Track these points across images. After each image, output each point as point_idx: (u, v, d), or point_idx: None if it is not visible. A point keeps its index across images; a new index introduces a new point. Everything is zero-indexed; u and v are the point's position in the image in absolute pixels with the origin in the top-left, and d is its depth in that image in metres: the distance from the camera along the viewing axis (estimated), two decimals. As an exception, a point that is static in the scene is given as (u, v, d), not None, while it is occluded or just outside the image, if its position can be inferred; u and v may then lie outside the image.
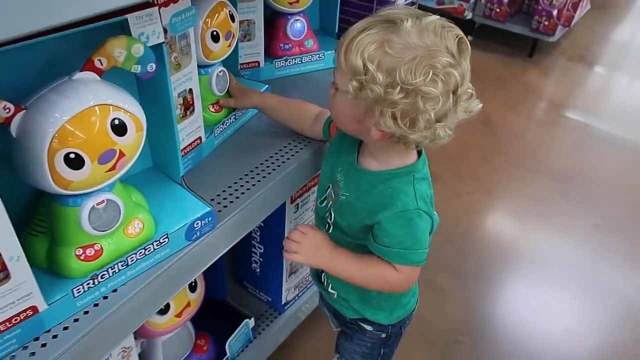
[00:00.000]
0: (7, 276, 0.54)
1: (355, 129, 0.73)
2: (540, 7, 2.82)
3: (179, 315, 0.91)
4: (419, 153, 0.77)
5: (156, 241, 0.69)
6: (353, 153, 0.79)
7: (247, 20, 1.09)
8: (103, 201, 0.63)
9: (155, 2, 0.63)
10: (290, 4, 1.15)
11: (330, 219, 0.83)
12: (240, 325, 1.07)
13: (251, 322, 1.10)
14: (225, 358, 1.05)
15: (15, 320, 0.57)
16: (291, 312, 1.22)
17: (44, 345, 0.60)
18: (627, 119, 2.62)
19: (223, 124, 0.94)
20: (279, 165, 0.91)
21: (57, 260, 0.63)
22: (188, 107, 0.81)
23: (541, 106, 2.71)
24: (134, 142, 0.61)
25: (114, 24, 0.59)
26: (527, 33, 2.92)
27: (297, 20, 1.18)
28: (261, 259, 1.16)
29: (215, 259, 0.80)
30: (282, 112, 0.96)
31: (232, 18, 0.89)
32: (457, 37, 0.65)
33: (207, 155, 0.91)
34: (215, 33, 0.85)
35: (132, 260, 0.67)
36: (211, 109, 0.94)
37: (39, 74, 0.60)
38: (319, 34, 1.26)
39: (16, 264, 0.54)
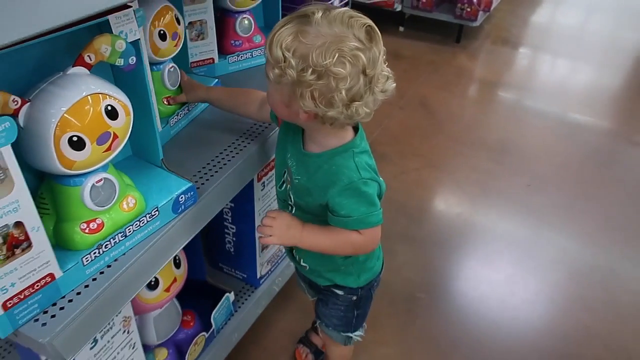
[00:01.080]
0: (29, 245, 0.63)
1: (287, 114, 0.81)
2: (461, -5, 3.05)
3: (167, 289, 1.00)
4: (355, 130, 0.86)
5: (148, 214, 0.79)
6: (299, 140, 0.88)
7: (199, 20, 1.19)
8: (101, 180, 0.72)
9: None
10: (236, 3, 1.25)
11: (291, 200, 0.92)
12: (222, 299, 1.16)
13: (231, 296, 1.20)
14: (211, 330, 1.14)
15: (37, 286, 0.66)
16: (266, 286, 1.32)
17: (62, 308, 0.69)
18: (548, 92, 2.89)
19: (177, 115, 1.05)
20: (245, 146, 1.02)
21: (64, 235, 0.71)
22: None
23: (472, 86, 2.94)
24: (124, 125, 0.71)
25: (92, 26, 0.68)
26: (452, 20, 3.15)
27: (245, 18, 1.29)
28: (234, 239, 1.26)
29: (198, 230, 0.90)
30: (228, 101, 1.04)
31: (178, 21, 0.98)
32: (364, 25, 0.73)
33: (165, 144, 1.00)
34: (162, 32, 0.95)
35: (129, 232, 0.76)
36: (165, 102, 1.03)
37: (31, 72, 0.69)
38: (264, 30, 1.37)
39: (37, 234, 0.63)
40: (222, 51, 1.28)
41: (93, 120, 0.66)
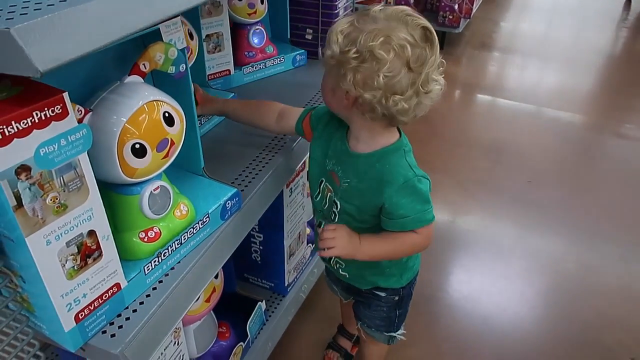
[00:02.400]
0: (100, 254, 0.62)
1: (332, 100, 0.82)
2: (443, 3, 3.13)
3: (207, 300, 0.99)
4: (399, 133, 0.87)
5: (200, 221, 0.79)
6: (343, 142, 0.87)
7: (215, 33, 1.20)
8: (158, 187, 0.72)
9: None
10: (249, 14, 1.27)
11: (336, 207, 0.90)
12: (255, 308, 1.16)
13: (263, 305, 1.19)
14: (247, 340, 1.13)
15: (105, 296, 0.65)
16: (293, 294, 1.32)
17: (127, 319, 0.68)
18: (533, 92, 2.98)
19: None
20: (273, 155, 1.02)
21: (124, 244, 0.70)
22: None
23: (459, 90, 3.01)
24: (179, 131, 0.71)
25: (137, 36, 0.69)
26: (435, 27, 3.21)
27: (257, 29, 1.31)
28: (261, 247, 1.26)
29: (244, 235, 0.90)
30: (245, 113, 1.02)
31: (191, 35, 0.80)
32: (420, 25, 0.73)
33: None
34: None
35: (184, 239, 0.76)
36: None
37: (83, 82, 0.69)
38: (273, 41, 1.39)
39: (107, 243, 0.63)
40: (237, 63, 1.29)
41: (153, 127, 0.67)
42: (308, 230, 1.39)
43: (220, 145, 1.05)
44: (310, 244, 1.38)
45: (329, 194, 0.92)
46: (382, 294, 1.03)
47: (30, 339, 0.64)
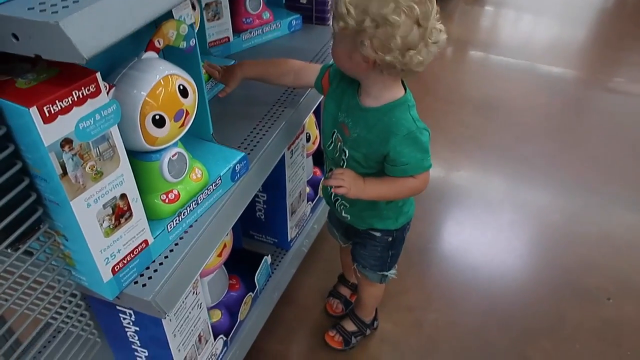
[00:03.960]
0: (131, 215, 0.70)
1: (349, 65, 0.91)
2: (436, -41, 3.11)
3: (219, 255, 1.08)
4: (404, 89, 0.95)
5: (214, 183, 0.86)
6: (354, 97, 0.97)
7: (214, 1, 1.24)
8: (176, 154, 0.79)
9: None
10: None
11: (345, 155, 1.00)
12: (262, 262, 1.25)
13: (269, 259, 1.29)
14: (255, 290, 1.23)
15: (136, 251, 0.74)
16: (296, 248, 1.42)
17: (155, 270, 0.77)
18: (522, 48, 3.02)
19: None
20: (278, 116, 1.09)
21: (148, 206, 0.78)
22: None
23: (451, 47, 3.04)
24: (193, 102, 0.78)
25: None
26: (428, -16, 3.21)
27: (254, -5, 1.34)
28: (265, 206, 1.35)
29: (252, 195, 0.98)
30: (264, 76, 1.10)
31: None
32: None
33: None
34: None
35: (200, 200, 0.84)
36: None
37: (102, 58, 0.74)
38: (269, 6, 1.42)
39: (136, 204, 0.70)
40: (235, 30, 1.34)
41: (170, 99, 0.73)
42: (308, 189, 1.47)
43: (226, 108, 1.12)
44: (310, 202, 1.47)
45: (339, 143, 1.02)
46: (377, 234, 1.13)
47: (73, 289, 0.73)
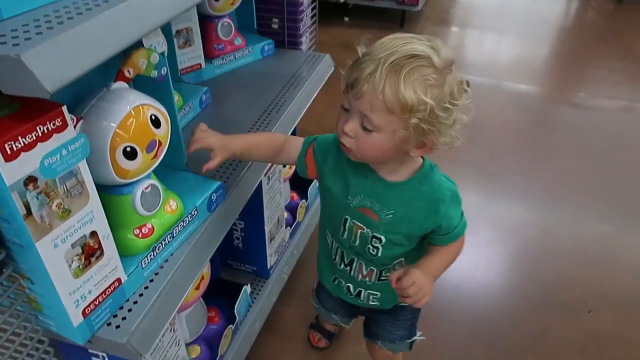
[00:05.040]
0: (102, 253, 0.66)
1: (391, 156, 0.80)
2: (402, -17, 3.18)
3: (197, 288, 1.04)
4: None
5: (190, 214, 0.83)
6: (373, 175, 0.85)
7: (185, 28, 1.22)
8: (148, 186, 0.76)
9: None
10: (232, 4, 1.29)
11: (379, 242, 0.89)
12: (241, 292, 1.21)
13: (248, 288, 1.25)
14: (235, 322, 1.19)
15: (108, 291, 0.70)
16: (276, 276, 1.38)
17: (129, 310, 0.73)
18: (490, 66, 3.09)
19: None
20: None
21: (120, 242, 0.74)
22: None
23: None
24: (165, 132, 0.75)
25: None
26: (395, 7, 3.29)
27: (225, 22, 1.33)
28: (242, 234, 1.31)
29: (231, 223, 0.95)
30: (249, 154, 0.93)
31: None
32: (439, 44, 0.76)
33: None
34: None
35: (176, 232, 0.81)
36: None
37: (68, 90, 0.71)
38: (241, 31, 1.42)
39: (107, 242, 0.67)
40: (207, 56, 1.32)
41: (142, 130, 0.71)
42: (286, 214, 1.44)
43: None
44: (288, 227, 1.44)
45: (359, 231, 0.90)
46: (405, 304, 0.97)
47: (40, 336, 0.68)
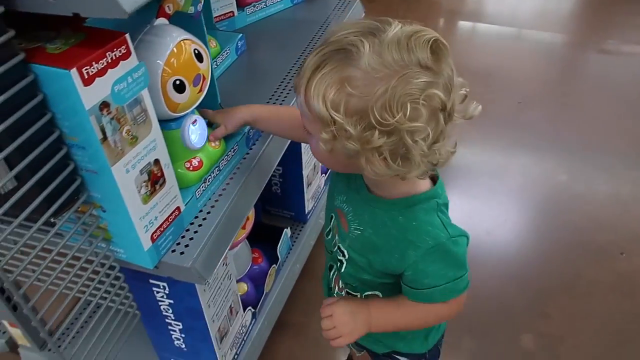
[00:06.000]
0: (164, 181, 0.70)
1: (345, 168, 0.66)
2: None
3: (243, 227, 1.08)
4: (433, 176, 0.69)
5: (232, 149, 0.86)
6: (360, 179, 0.69)
7: (218, -24, 1.23)
8: (195, 120, 0.79)
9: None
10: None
11: (343, 255, 0.75)
12: (282, 235, 1.26)
13: (289, 231, 1.29)
14: (278, 263, 1.24)
15: (170, 219, 0.74)
16: (313, 221, 1.42)
17: (191, 238, 0.77)
18: (515, 16, 3.02)
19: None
20: (289, 92, 1.09)
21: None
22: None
23: (444, 18, 3.04)
24: (207, 67, 0.77)
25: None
26: (417, -43, 3.19)
27: (256, -32, 1.33)
28: (281, 180, 1.35)
29: (277, 160, 0.98)
30: (274, 122, 0.86)
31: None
32: (428, 42, 0.54)
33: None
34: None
35: (222, 166, 0.84)
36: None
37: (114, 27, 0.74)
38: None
39: (168, 171, 0.70)
40: (239, 4, 1.32)
41: (188, 63, 0.73)
42: (320, 162, 1.47)
43: (234, 82, 1.11)
44: (323, 174, 1.47)
45: (336, 235, 0.77)
46: (403, 359, 0.85)
47: (111, 262, 0.73)
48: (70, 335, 0.80)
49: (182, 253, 0.75)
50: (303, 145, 1.25)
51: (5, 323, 1.06)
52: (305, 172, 1.30)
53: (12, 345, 1.17)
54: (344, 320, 0.70)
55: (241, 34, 1.21)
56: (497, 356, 1.34)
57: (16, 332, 1.08)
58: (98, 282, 0.73)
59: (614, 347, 1.34)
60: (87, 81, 0.53)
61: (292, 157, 1.27)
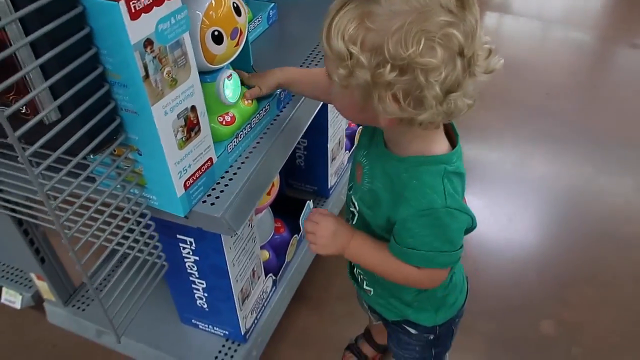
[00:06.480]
0: (199, 129, 0.71)
1: (362, 119, 0.67)
2: None
3: (268, 193, 1.09)
4: (452, 143, 0.68)
5: (264, 108, 0.87)
6: (379, 136, 0.70)
7: None
8: (230, 75, 0.79)
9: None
10: None
11: (354, 207, 0.76)
12: (305, 206, 1.26)
13: (311, 204, 1.29)
14: (299, 233, 1.25)
15: (203, 168, 0.74)
16: (335, 197, 1.43)
17: (222, 191, 0.78)
18: (546, 8, 2.97)
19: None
20: (319, 61, 1.09)
21: (208, 128, 0.78)
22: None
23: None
24: (244, 22, 0.78)
25: None
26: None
27: None
28: (305, 152, 1.35)
29: (307, 123, 0.98)
30: (307, 84, 0.86)
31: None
32: None
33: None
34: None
35: (253, 124, 0.85)
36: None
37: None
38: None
39: (204, 119, 0.71)
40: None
41: (227, 16, 0.73)
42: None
43: (267, 48, 1.11)
44: (347, 151, 1.47)
45: (352, 188, 0.78)
46: (413, 331, 0.86)
47: (143, 209, 0.74)
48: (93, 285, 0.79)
49: (212, 204, 0.75)
50: (330, 116, 1.25)
51: (33, 276, 1.08)
52: (330, 146, 1.31)
53: (38, 299, 1.20)
54: (324, 234, 0.73)
55: (273, 4, 1.22)
56: (515, 340, 1.33)
57: (42, 286, 1.10)
58: (127, 230, 0.74)
59: (634, 336, 1.33)
60: (134, 15, 0.54)
61: (318, 129, 1.27)
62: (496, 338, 1.33)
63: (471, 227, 0.70)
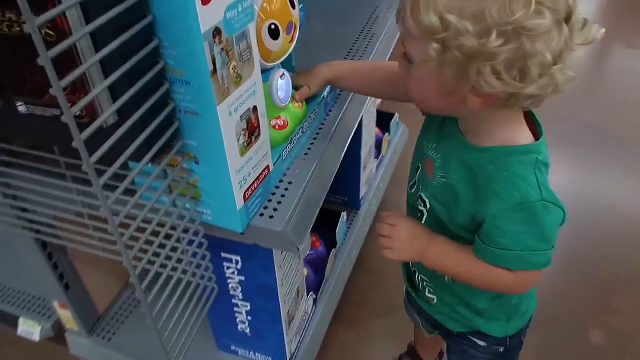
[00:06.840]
0: (259, 133, 0.63)
1: (447, 104, 0.58)
2: None
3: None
4: (535, 133, 0.62)
5: (314, 112, 0.80)
6: (454, 125, 0.64)
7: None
8: (283, 74, 0.72)
9: None
10: None
11: (424, 206, 0.69)
12: (340, 219, 1.19)
13: (345, 215, 1.22)
14: (338, 247, 1.17)
15: (261, 177, 0.67)
16: (366, 207, 1.35)
17: (279, 202, 0.70)
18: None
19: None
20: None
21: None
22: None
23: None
24: (298, 15, 0.71)
25: None
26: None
27: None
28: (336, 162, 1.28)
29: (355, 127, 0.91)
30: (360, 78, 0.81)
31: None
32: None
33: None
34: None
35: (305, 128, 0.78)
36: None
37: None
38: None
39: (263, 121, 0.64)
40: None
41: (283, 8, 0.67)
42: (372, 146, 1.40)
43: (308, 47, 1.04)
44: (375, 159, 1.40)
45: (420, 185, 0.72)
46: (482, 343, 0.78)
47: (197, 226, 0.65)
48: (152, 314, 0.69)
49: (271, 217, 0.68)
50: (365, 121, 1.18)
51: (55, 304, 0.99)
52: (363, 153, 1.24)
53: (58, 329, 1.10)
54: (402, 237, 0.66)
55: (302, 5, 1.15)
56: (565, 353, 1.26)
57: (65, 315, 1.01)
58: (181, 251, 0.65)
59: (690, 342, 1.26)
60: (205, 0, 0.47)
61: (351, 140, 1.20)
62: (546, 350, 1.25)
63: (562, 222, 0.62)
